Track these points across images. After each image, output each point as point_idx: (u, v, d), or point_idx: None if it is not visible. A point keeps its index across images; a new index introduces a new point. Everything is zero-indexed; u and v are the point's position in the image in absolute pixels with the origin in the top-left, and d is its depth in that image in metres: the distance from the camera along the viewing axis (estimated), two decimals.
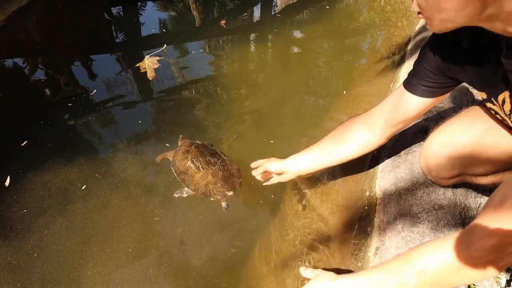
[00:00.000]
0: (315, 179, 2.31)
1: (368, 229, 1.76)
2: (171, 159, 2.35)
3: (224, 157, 2.33)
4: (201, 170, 2.18)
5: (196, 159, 2.21)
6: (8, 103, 2.83)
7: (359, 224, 1.85)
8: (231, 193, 2.16)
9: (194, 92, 3.11)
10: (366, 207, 1.89)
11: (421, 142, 1.97)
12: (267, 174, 1.97)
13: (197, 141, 2.44)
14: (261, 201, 2.24)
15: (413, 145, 1.96)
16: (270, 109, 2.92)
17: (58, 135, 2.59)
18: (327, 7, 4.51)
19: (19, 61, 3.32)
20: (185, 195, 2.21)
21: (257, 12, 4.63)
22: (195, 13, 4.43)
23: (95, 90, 3.01)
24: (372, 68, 3.31)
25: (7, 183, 2.19)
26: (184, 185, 2.22)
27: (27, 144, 2.48)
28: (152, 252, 1.97)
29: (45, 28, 3.78)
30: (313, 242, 1.91)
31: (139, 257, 1.94)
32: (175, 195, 2.22)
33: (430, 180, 1.66)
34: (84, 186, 2.24)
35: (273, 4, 4.83)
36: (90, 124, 2.75)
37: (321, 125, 2.79)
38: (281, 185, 2.31)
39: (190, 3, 4.69)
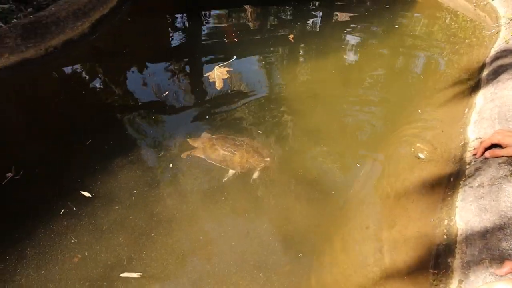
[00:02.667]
0: (380, 199, 2.28)
1: (449, 260, 1.71)
2: (202, 156, 2.59)
3: (243, 139, 2.68)
4: (236, 152, 2.53)
5: (225, 147, 2.57)
6: (78, 104, 3.03)
7: (438, 253, 1.80)
8: (268, 159, 2.54)
9: (258, 103, 3.17)
10: (445, 236, 1.84)
11: (506, 174, 1.89)
12: (495, 151, 2.00)
13: (213, 136, 2.70)
14: (327, 223, 2.24)
15: (499, 177, 1.89)
16: (331, 123, 2.93)
17: (123, 134, 2.75)
18: (396, 26, 4.48)
19: (95, 65, 3.55)
20: (231, 176, 2.47)
21: (322, 28, 4.66)
22: (252, 21, 4.55)
23: (167, 92, 3.17)
24: (442, 90, 3.22)
25: (87, 194, 2.32)
26: (229, 169, 2.52)
27: (91, 143, 2.64)
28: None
29: (121, 35, 4.02)
30: (385, 268, 1.88)
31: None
32: (224, 179, 2.44)
33: None
34: (148, 179, 2.35)
35: (337, 19, 4.85)
36: (153, 125, 2.88)
37: (388, 142, 2.75)
38: (344, 205, 2.30)
39: (249, 13, 4.83)
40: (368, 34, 4.44)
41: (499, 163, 1.97)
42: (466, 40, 4.07)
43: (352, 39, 4.32)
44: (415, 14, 4.98)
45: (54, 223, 2.07)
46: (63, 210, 2.14)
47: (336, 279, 1.93)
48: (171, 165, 2.49)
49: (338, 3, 5.36)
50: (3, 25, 3.32)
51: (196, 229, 2.13)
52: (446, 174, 2.26)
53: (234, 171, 2.50)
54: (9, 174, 2.26)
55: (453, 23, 4.77)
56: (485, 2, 4.66)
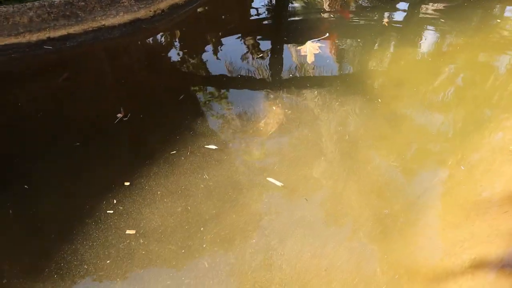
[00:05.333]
0: (469, 191, 2.16)
1: None
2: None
3: None
4: None
5: None
6: (175, 64, 3.25)
7: None
8: None
9: (343, 81, 3.12)
10: None
11: None
12: None
13: None
14: None
15: None
16: (415, 112, 2.82)
17: (213, 92, 2.96)
18: (498, 20, 4.09)
19: (196, 30, 3.76)
20: None
21: (416, 16, 4.41)
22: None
23: (261, 54, 3.31)
24: None
25: (213, 146, 2.51)
26: None
27: (183, 98, 2.86)
28: None
29: (223, 4, 4.19)
30: (475, 257, 1.80)
31: None
32: None
33: None
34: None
35: (434, 8, 4.54)
36: (239, 87, 3.03)
37: (481, 137, 2.58)
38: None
39: None
40: (465, 25, 4.10)
41: None
42: None
43: (448, 30, 4.03)
44: None
45: (167, 158, 2.33)
46: (175, 151, 2.37)
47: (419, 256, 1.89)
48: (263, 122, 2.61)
49: None
50: None
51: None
52: None
53: None
54: (119, 115, 2.53)
55: None
56: None
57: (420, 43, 3.77)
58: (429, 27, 4.05)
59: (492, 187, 2.18)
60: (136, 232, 1.95)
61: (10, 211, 2.00)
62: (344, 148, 2.46)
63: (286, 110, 2.72)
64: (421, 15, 4.42)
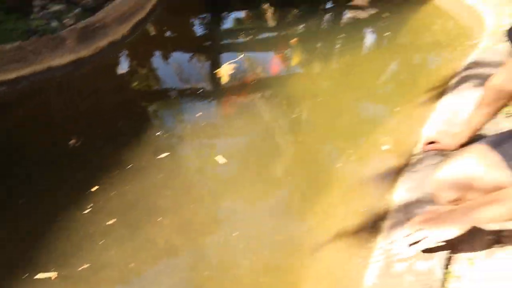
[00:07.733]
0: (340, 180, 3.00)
1: (382, 222, 2.40)
2: None
3: None
4: None
5: None
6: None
7: (376, 219, 2.49)
8: None
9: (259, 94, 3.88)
10: (385, 207, 2.52)
11: (434, 163, 2.53)
12: (428, 146, 2.62)
13: None
14: None
15: (429, 165, 2.54)
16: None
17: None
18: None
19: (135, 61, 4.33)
20: None
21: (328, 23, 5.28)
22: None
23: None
24: (424, 92, 3.80)
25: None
26: None
27: None
28: None
29: (155, 35, 4.79)
30: (342, 227, 2.60)
31: None
32: None
33: None
34: None
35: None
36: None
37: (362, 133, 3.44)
38: None
39: (267, 14, 5.48)
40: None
41: (433, 155, 2.61)
42: (449, 48, 4.55)
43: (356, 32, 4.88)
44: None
45: None
46: None
47: None
48: None
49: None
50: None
51: None
52: (399, 163, 2.92)
53: None
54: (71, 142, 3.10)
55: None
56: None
57: (333, 48, 4.60)
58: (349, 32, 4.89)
59: (357, 173, 3.03)
60: None
61: None
62: None
63: None
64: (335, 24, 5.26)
